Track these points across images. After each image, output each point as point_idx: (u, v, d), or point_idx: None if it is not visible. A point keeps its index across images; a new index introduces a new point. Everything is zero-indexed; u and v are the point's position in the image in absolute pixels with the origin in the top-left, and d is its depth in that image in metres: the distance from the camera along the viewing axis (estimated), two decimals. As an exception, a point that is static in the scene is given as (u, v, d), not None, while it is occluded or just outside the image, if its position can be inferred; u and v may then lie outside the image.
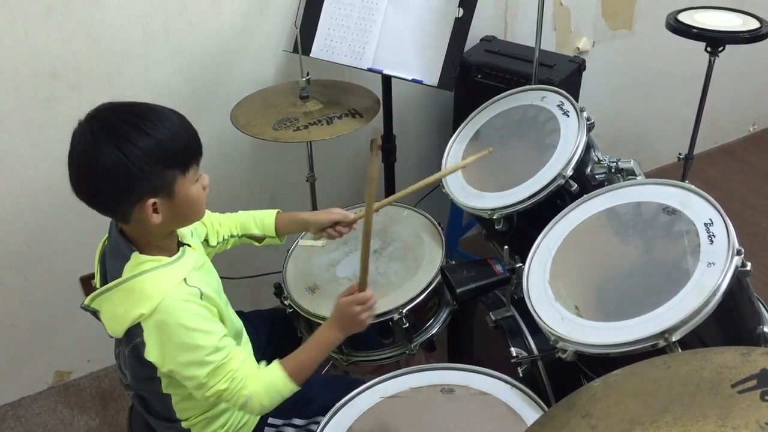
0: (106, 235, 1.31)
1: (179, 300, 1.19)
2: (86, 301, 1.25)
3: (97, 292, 1.24)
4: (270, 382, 1.28)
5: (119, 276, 1.21)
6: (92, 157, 1.11)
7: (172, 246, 1.29)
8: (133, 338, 1.21)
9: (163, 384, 1.30)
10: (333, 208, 1.63)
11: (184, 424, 1.37)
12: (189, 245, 1.33)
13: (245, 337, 1.47)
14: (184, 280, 1.23)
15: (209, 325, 1.23)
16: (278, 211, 1.64)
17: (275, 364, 1.31)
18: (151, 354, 1.20)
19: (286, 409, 1.48)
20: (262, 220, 1.62)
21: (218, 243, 1.57)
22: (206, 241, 1.54)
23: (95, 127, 1.13)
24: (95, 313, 1.26)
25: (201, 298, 1.23)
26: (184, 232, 1.37)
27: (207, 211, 1.53)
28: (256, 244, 1.65)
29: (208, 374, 1.21)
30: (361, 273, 1.36)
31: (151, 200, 1.16)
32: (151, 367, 1.24)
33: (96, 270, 1.31)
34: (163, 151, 1.14)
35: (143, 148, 1.12)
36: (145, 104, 1.19)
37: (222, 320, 1.30)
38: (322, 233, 1.62)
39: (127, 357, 1.27)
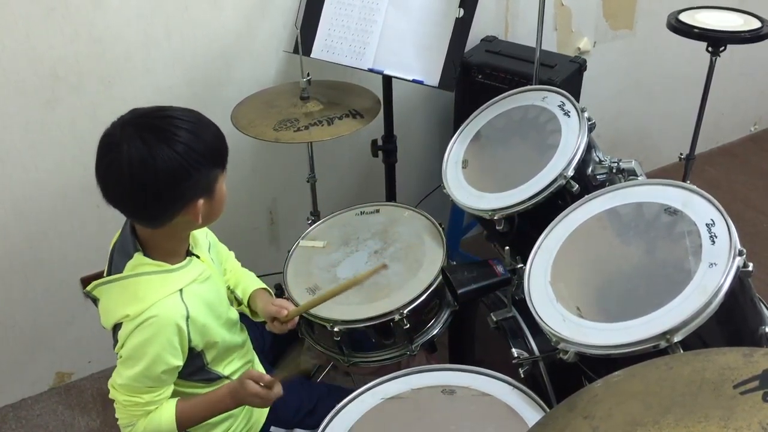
0: (118, 232, 1.32)
1: (167, 317, 1.20)
2: (89, 287, 1.27)
3: (100, 281, 1.25)
4: (157, 424, 1.27)
5: (121, 272, 1.22)
6: (147, 164, 1.10)
7: (180, 252, 1.29)
8: (116, 335, 1.24)
9: None
10: (280, 300, 1.53)
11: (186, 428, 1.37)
12: (198, 256, 1.33)
13: (240, 326, 1.47)
14: (180, 290, 1.23)
15: (173, 359, 1.23)
16: (258, 288, 1.57)
17: (171, 404, 1.29)
18: (120, 350, 1.23)
19: (289, 418, 1.48)
20: (246, 288, 1.57)
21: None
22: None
23: (143, 134, 1.11)
24: (95, 301, 1.28)
25: (187, 319, 1.23)
26: (198, 241, 1.36)
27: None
28: (235, 305, 1.57)
29: (129, 401, 1.24)
30: (283, 372, 1.36)
31: (201, 200, 1.18)
32: None
33: (108, 260, 1.32)
34: (210, 150, 1.17)
35: (195, 149, 1.14)
36: (175, 107, 1.20)
37: (207, 336, 1.30)
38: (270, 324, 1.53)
39: (118, 354, 1.28)
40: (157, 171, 1.11)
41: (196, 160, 1.14)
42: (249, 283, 1.58)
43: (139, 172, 1.11)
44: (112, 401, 1.27)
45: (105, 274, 1.29)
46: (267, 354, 1.65)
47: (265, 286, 1.60)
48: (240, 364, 1.45)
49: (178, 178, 1.13)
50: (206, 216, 1.22)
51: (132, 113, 1.17)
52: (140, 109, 1.18)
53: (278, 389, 1.32)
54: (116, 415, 1.28)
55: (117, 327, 1.23)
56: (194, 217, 1.18)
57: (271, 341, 1.68)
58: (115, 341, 1.25)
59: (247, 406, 1.42)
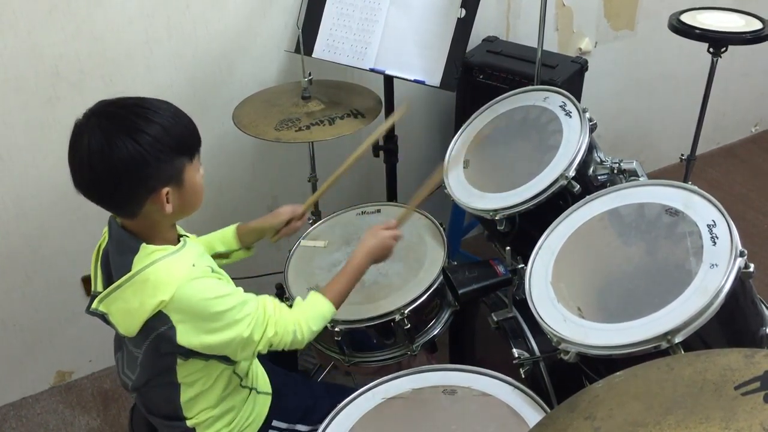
0: (102, 238, 1.31)
1: (194, 279, 1.20)
2: (93, 305, 1.24)
3: (104, 293, 1.22)
4: (318, 311, 1.36)
5: (128, 270, 1.20)
6: (107, 152, 1.11)
7: (173, 237, 1.29)
8: (152, 330, 1.20)
9: (180, 375, 1.30)
10: (280, 207, 1.64)
11: (189, 423, 1.37)
12: (188, 236, 1.33)
13: None
14: (193, 265, 1.23)
15: (227, 288, 1.25)
16: (237, 225, 1.62)
17: (315, 294, 1.38)
18: (186, 336, 1.20)
19: (291, 413, 1.48)
20: (223, 237, 1.60)
21: None
22: None
23: (103, 123, 1.13)
24: (103, 316, 1.25)
25: (212, 272, 1.25)
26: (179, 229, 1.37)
27: None
28: (225, 261, 1.62)
29: (249, 328, 1.24)
30: (405, 213, 1.59)
31: (165, 189, 1.17)
32: (171, 357, 1.25)
33: (95, 274, 1.30)
34: (171, 138, 1.16)
35: (154, 136, 1.13)
36: (137, 97, 1.20)
37: None
38: (279, 235, 1.63)
39: (142, 354, 1.26)
40: (114, 160, 1.11)
41: (158, 149, 1.13)
42: (218, 235, 1.61)
43: (97, 161, 1.12)
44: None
45: (100, 287, 1.27)
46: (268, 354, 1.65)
47: (233, 225, 1.63)
48: None
49: (137, 166, 1.12)
50: (178, 206, 1.21)
51: (99, 103, 1.17)
52: (106, 100, 1.18)
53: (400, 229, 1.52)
54: (277, 340, 1.29)
55: (150, 324, 1.19)
56: (161, 206, 1.18)
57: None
58: (150, 337, 1.22)
59: (247, 403, 1.42)
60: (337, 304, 1.39)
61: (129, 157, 1.11)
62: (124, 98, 1.19)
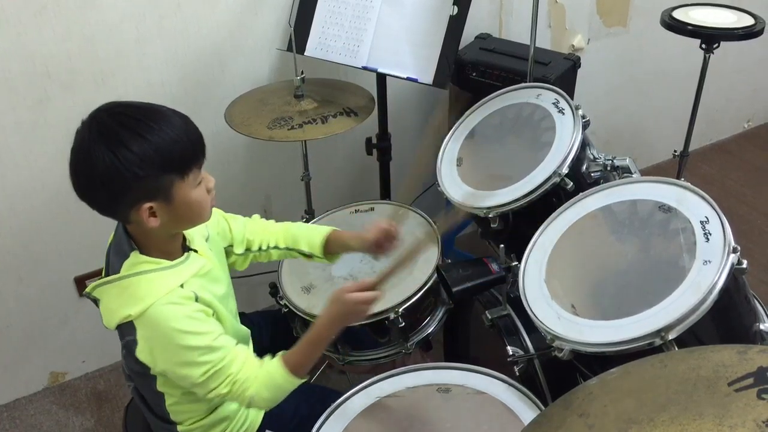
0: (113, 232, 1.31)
1: (169, 303, 1.18)
2: (88, 288, 1.26)
3: (98, 282, 1.24)
4: (272, 380, 1.26)
5: (118, 272, 1.21)
6: (87, 159, 1.11)
7: (175, 249, 1.27)
8: (125, 335, 1.22)
9: (158, 382, 1.30)
10: (378, 221, 1.49)
11: (180, 428, 1.37)
12: (195, 251, 1.31)
13: (250, 343, 1.46)
14: (181, 285, 1.22)
15: (201, 326, 1.21)
16: (333, 230, 1.55)
17: (277, 361, 1.28)
18: (142, 354, 1.20)
19: (285, 422, 1.46)
20: (310, 240, 1.54)
21: (250, 251, 1.53)
22: (231, 246, 1.50)
23: (93, 129, 1.12)
24: (96, 302, 1.27)
25: (196, 300, 1.22)
26: (193, 236, 1.34)
27: (243, 218, 1.53)
28: (305, 259, 1.57)
29: (205, 375, 1.20)
30: (385, 276, 1.31)
31: (147, 204, 1.14)
32: (144, 365, 1.23)
33: (105, 260, 1.31)
34: (159, 156, 1.12)
35: (137, 153, 1.10)
36: (149, 105, 1.17)
37: (217, 314, 1.29)
38: (374, 252, 1.49)
39: (121, 349, 1.27)
40: (91, 167, 1.11)
41: (137, 166, 1.10)
42: (310, 232, 1.55)
43: (79, 166, 1.13)
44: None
45: (103, 275, 1.28)
46: (266, 352, 1.64)
47: (328, 228, 1.55)
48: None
49: (110, 179, 1.11)
50: (169, 221, 1.18)
51: (103, 106, 1.16)
52: (113, 103, 1.16)
53: (379, 292, 1.29)
54: (231, 400, 1.25)
55: (122, 328, 1.21)
56: (145, 219, 1.15)
57: (269, 340, 1.67)
58: (122, 340, 1.23)
59: (240, 412, 1.41)
60: (301, 374, 1.28)
61: (104, 168, 1.10)
62: (128, 105, 1.16)
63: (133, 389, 1.42)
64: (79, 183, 1.15)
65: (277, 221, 1.59)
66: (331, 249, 1.54)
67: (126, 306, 1.18)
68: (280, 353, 1.30)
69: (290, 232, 1.56)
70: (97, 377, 2.34)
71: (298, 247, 1.55)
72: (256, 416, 1.45)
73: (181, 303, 1.20)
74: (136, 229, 1.22)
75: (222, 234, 1.48)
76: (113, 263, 1.24)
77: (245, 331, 1.44)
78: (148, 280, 1.20)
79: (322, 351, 1.33)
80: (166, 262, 1.23)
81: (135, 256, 1.21)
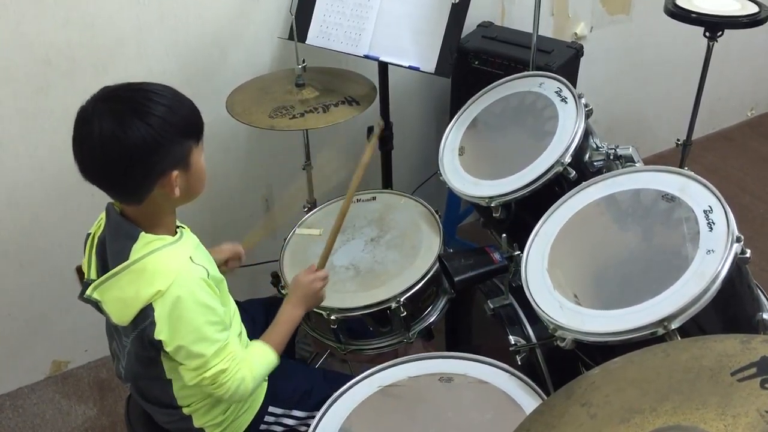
0: (97, 225, 1.30)
1: (193, 277, 1.20)
2: (87, 292, 1.23)
3: (99, 280, 1.22)
4: (263, 357, 1.36)
5: (126, 258, 1.19)
6: (120, 136, 1.11)
7: (173, 226, 1.29)
8: (139, 324, 1.20)
9: (166, 368, 1.30)
10: (223, 244, 1.61)
11: (185, 411, 1.37)
12: (183, 227, 1.32)
13: (238, 317, 1.47)
14: (190, 258, 1.23)
15: (218, 304, 1.25)
16: None
17: (261, 343, 1.38)
18: (162, 332, 1.18)
19: (287, 398, 1.48)
20: None
21: None
22: None
23: (113, 106, 1.13)
24: (96, 304, 1.25)
25: (208, 277, 1.23)
26: None
27: None
28: None
29: (214, 352, 1.23)
30: (324, 251, 1.55)
31: (175, 172, 1.17)
32: (155, 350, 1.23)
33: (88, 261, 1.29)
34: (180, 119, 1.17)
35: (163, 117, 1.14)
36: (141, 83, 1.20)
37: (223, 293, 1.32)
38: (224, 267, 1.59)
39: (129, 343, 1.25)
40: (128, 144, 1.11)
41: (168, 131, 1.14)
42: None
43: (110, 145, 1.12)
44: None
45: (94, 275, 1.26)
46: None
47: None
48: (240, 329, 1.44)
49: (150, 149, 1.13)
50: (184, 189, 1.21)
51: (104, 89, 1.17)
52: (109, 86, 1.18)
53: (327, 271, 1.53)
54: (224, 389, 1.27)
55: (142, 314, 1.19)
56: (170, 189, 1.18)
57: (262, 327, 1.67)
58: (135, 331, 1.21)
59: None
60: (279, 354, 1.39)
61: (142, 140, 1.11)
62: (126, 83, 1.19)
63: (132, 387, 1.42)
64: (105, 165, 1.14)
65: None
66: None
67: (150, 285, 1.16)
68: (260, 339, 1.40)
69: None
70: (99, 366, 2.35)
71: None
72: (259, 393, 1.46)
73: (200, 278, 1.21)
74: (142, 210, 1.21)
75: None
76: (116, 252, 1.21)
77: (233, 304, 1.44)
78: (164, 255, 1.20)
79: (293, 331, 1.48)
80: (170, 238, 1.24)
81: (144, 237, 1.20)
